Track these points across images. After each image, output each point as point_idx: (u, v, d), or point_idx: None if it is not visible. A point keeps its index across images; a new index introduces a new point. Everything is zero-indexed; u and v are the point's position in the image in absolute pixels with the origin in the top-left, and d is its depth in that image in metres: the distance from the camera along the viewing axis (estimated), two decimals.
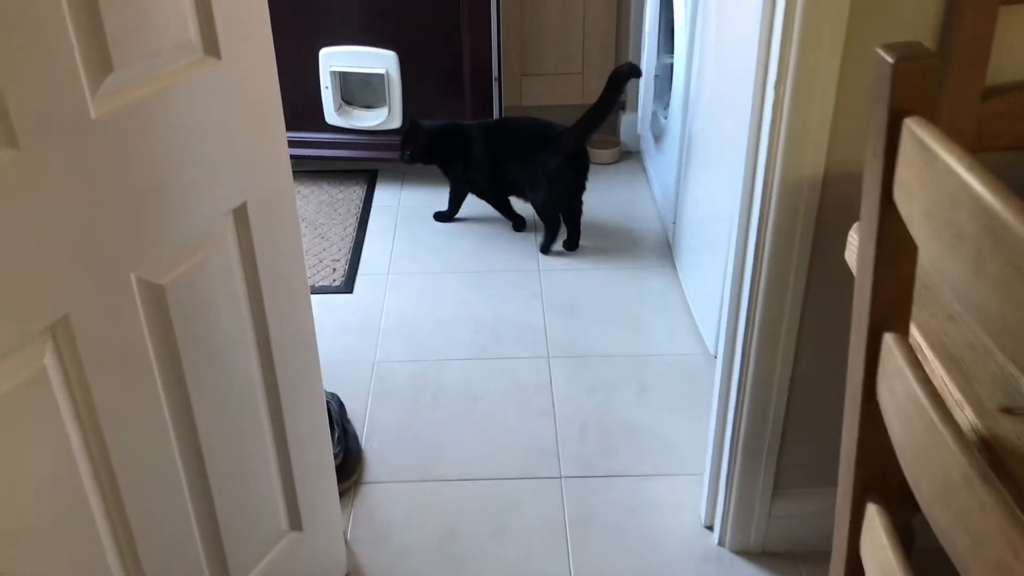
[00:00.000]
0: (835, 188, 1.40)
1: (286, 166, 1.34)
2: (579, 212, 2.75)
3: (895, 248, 0.80)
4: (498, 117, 2.87)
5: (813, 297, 1.49)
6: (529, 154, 2.69)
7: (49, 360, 1.02)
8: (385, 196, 3.05)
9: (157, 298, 1.16)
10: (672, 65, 2.68)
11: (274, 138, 1.31)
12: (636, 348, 2.30)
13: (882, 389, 0.84)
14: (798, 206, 1.41)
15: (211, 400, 1.29)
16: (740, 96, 1.99)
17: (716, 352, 2.22)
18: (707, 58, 2.28)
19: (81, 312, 1.04)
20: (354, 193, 3.05)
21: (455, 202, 2.89)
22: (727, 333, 1.62)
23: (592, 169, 3.18)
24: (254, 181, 1.27)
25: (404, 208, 2.99)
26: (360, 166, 3.15)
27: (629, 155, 3.28)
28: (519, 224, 2.85)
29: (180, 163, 1.14)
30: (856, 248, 1.14)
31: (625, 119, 3.26)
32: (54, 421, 1.04)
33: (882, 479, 0.92)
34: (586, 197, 2.98)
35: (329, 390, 2.09)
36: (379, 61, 2.88)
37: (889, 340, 0.82)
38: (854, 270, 1.13)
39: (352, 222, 2.89)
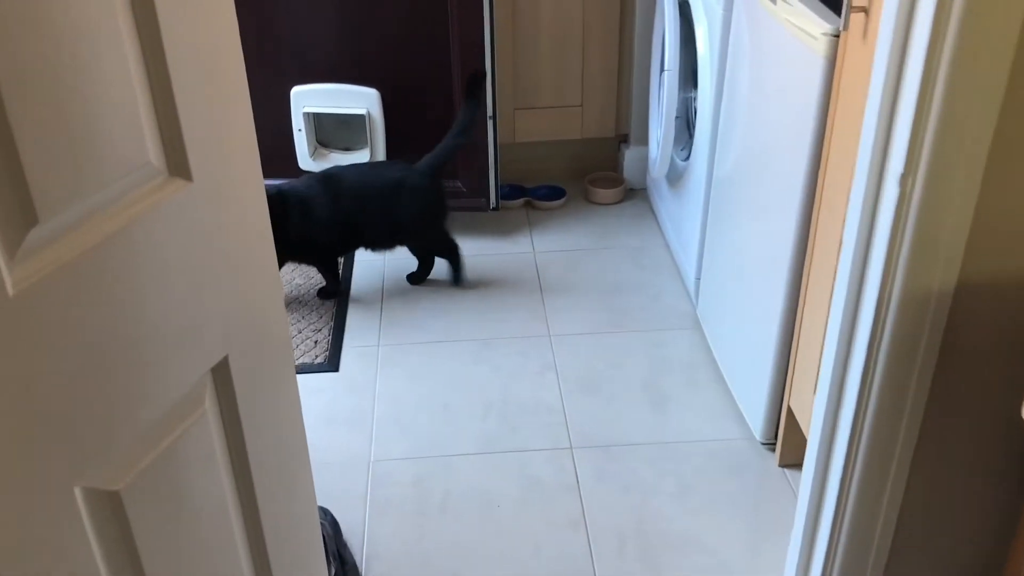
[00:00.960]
0: (969, 304, 1.12)
1: (279, 300, 1.03)
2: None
3: None
4: (328, 168, 2.49)
5: (932, 426, 1.21)
6: (389, 200, 2.40)
7: None
8: None
9: (112, 510, 0.84)
10: (688, 101, 2.40)
11: (263, 269, 1.00)
12: (670, 432, 2.02)
13: None
14: (922, 324, 1.13)
15: None
16: (792, 149, 1.72)
17: (763, 437, 1.96)
18: (738, 99, 2.00)
19: (5, 559, 0.73)
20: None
21: (332, 274, 2.52)
22: (817, 455, 1.34)
23: (594, 210, 2.91)
24: (239, 327, 0.96)
25: (392, 261, 2.67)
26: None
27: (633, 193, 3.00)
28: (333, 291, 2.51)
29: (138, 326, 0.83)
30: None
31: (629, 153, 2.97)
32: None
33: None
34: (591, 242, 2.73)
35: (320, 504, 1.78)
36: (359, 100, 2.56)
37: None
38: None
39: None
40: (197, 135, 0.85)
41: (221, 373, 0.95)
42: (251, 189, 0.95)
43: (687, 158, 2.39)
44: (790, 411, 1.85)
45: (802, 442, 1.84)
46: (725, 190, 2.11)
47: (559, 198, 2.93)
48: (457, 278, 2.55)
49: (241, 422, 0.98)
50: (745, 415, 2.02)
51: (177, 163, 0.84)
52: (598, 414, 2.08)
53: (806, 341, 1.76)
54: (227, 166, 0.90)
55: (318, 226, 2.36)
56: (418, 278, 2.58)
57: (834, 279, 1.53)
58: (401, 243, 2.53)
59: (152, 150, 0.82)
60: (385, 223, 2.43)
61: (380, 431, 2.04)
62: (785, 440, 1.91)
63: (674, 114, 2.31)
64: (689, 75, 2.36)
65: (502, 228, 2.82)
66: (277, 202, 2.26)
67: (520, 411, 2.09)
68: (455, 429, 2.04)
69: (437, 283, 2.57)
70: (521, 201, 2.93)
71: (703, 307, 2.33)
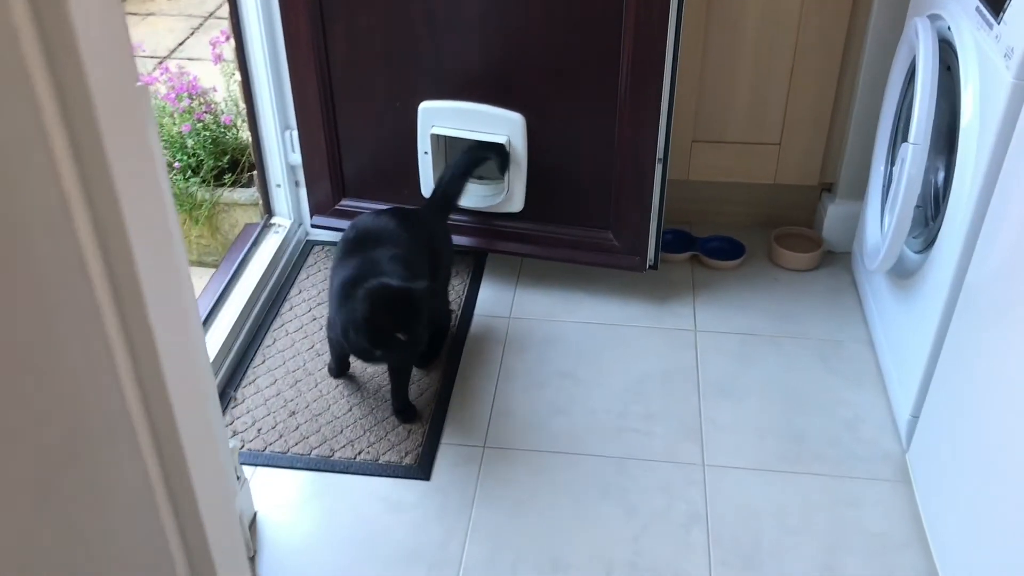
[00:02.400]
0: None
1: None
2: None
3: None
4: (367, 216, 1.95)
5: None
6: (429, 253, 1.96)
7: None
8: (492, 299, 2.26)
9: None
10: (930, 174, 1.77)
11: None
12: None
13: None
14: None
15: None
16: None
17: None
18: (1020, 190, 1.38)
19: None
20: (451, 294, 2.26)
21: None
22: None
23: (780, 277, 2.34)
24: None
25: (517, 322, 2.19)
26: (461, 259, 2.35)
27: (832, 258, 2.38)
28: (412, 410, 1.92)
29: None
30: None
31: (833, 208, 2.35)
32: None
33: None
34: (771, 324, 2.19)
35: None
36: (500, 126, 2.06)
37: None
38: None
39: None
40: None
41: None
42: None
43: (923, 250, 1.76)
44: None
45: None
46: (985, 307, 1.49)
47: (736, 256, 2.35)
48: (435, 354, 2.05)
49: None
50: None
51: None
52: None
53: None
54: None
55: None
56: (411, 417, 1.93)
57: None
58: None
59: None
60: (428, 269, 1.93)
61: None
62: None
63: (915, 201, 1.69)
64: (941, 143, 1.72)
65: (658, 290, 2.28)
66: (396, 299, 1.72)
67: None
68: None
69: (565, 361, 2.06)
70: (687, 255, 2.36)
71: (917, 455, 1.73)
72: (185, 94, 2.65)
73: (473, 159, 2.07)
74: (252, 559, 1.63)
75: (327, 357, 2.04)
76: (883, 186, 1.98)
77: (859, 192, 2.24)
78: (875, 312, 2.08)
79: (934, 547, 1.61)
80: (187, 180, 2.54)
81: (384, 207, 2.03)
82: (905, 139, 1.69)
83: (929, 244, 1.73)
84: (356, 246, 1.86)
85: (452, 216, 2.21)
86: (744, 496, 1.74)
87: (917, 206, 1.70)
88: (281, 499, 1.74)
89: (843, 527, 1.67)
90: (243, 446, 1.83)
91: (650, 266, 2.20)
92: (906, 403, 1.80)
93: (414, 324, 1.68)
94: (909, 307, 1.84)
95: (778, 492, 1.74)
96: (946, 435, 1.61)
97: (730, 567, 1.60)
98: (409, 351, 1.75)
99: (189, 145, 2.57)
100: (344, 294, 1.75)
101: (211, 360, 1.95)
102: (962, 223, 1.58)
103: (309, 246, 2.42)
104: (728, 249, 2.37)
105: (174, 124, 2.61)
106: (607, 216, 2.14)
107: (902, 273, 1.85)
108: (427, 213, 2.03)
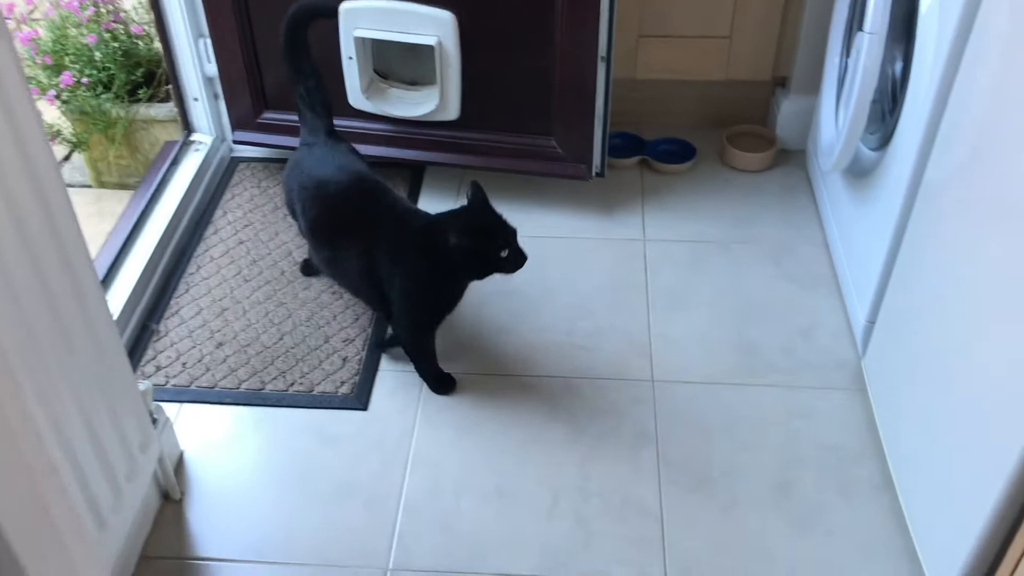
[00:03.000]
0: None
1: None
2: None
3: None
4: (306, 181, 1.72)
5: None
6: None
7: None
8: None
9: None
10: (887, 65, 1.65)
11: None
12: (812, 570, 1.42)
13: None
14: None
15: None
16: None
17: None
18: (983, 82, 1.28)
19: None
20: None
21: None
22: None
23: (732, 178, 2.24)
24: None
25: None
26: (397, 172, 2.21)
27: (786, 156, 2.28)
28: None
29: None
30: None
31: (786, 104, 2.23)
32: None
33: None
34: (722, 230, 2.07)
35: None
36: (427, 25, 1.90)
37: None
38: None
39: None
40: None
41: None
42: None
43: (879, 147, 1.66)
44: None
45: None
46: (944, 206, 1.40)
47: (687, 159, 2.23)
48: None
49: None
50: (920, 554, 1.40)
51: None
52: (710, 527, 1.48)
53: None
54: None
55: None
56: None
57: None
58: None
59: None
60: None
61: (408, 521, 1.50)
62: None
63: (871, 96, 1.57)
64: (898, 31, 1.60)
65: (605, 198, 2.16)
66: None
67: (601, 510, 1.51)
68: (507, 529, 1.49)
69: (509, 278, 1.96)
70: (635, 160, 2.25)
71: (873, 362, 1.67)
72: (90, 1, 2.43)
73: (292, 36, 1.74)
74: (179, 502, 1.54)
75: (255, 283, 1.92)
76: (838, 79, 1.86)
77: (814, 86, 2.12)
78: (830, 213, 1.99)
79: (890, 457, 1.56)
80: (98, 97, 2.35)
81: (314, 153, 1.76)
82: (860, 28, 1.57)
83: (886, 141, 1.63)
84: (350, 217, 1.66)
85: (383, 127, 2.07)
86: (695, 412, 1.67)
87: (873, 100, 1.59)
88: (209, 437, 1.64)
89: (797, 440, 1.62)
90: (167, 382, 1.72)
91: (596, 173, 2.08)
92: (862, 308, 1.73)
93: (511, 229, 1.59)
94: (865, 207, 1.75)
95: (729, 406, 1.68)
96: (903, 341, 1.54)
97: (681, 487, 1.54)
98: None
99: (98, 58, 2.37)
100: (422, 248, 1.58)
101: (130, 290, 1.83)
102: (920, 117, 1.48)
103: (233, 163, 2.26)
104: (678, 152, 2.25)
105: (80, 35, 2.40)
106: (549, 121, 2.01)
107: (858, 172, 1.75)
108: (326, 136, 1.76)
